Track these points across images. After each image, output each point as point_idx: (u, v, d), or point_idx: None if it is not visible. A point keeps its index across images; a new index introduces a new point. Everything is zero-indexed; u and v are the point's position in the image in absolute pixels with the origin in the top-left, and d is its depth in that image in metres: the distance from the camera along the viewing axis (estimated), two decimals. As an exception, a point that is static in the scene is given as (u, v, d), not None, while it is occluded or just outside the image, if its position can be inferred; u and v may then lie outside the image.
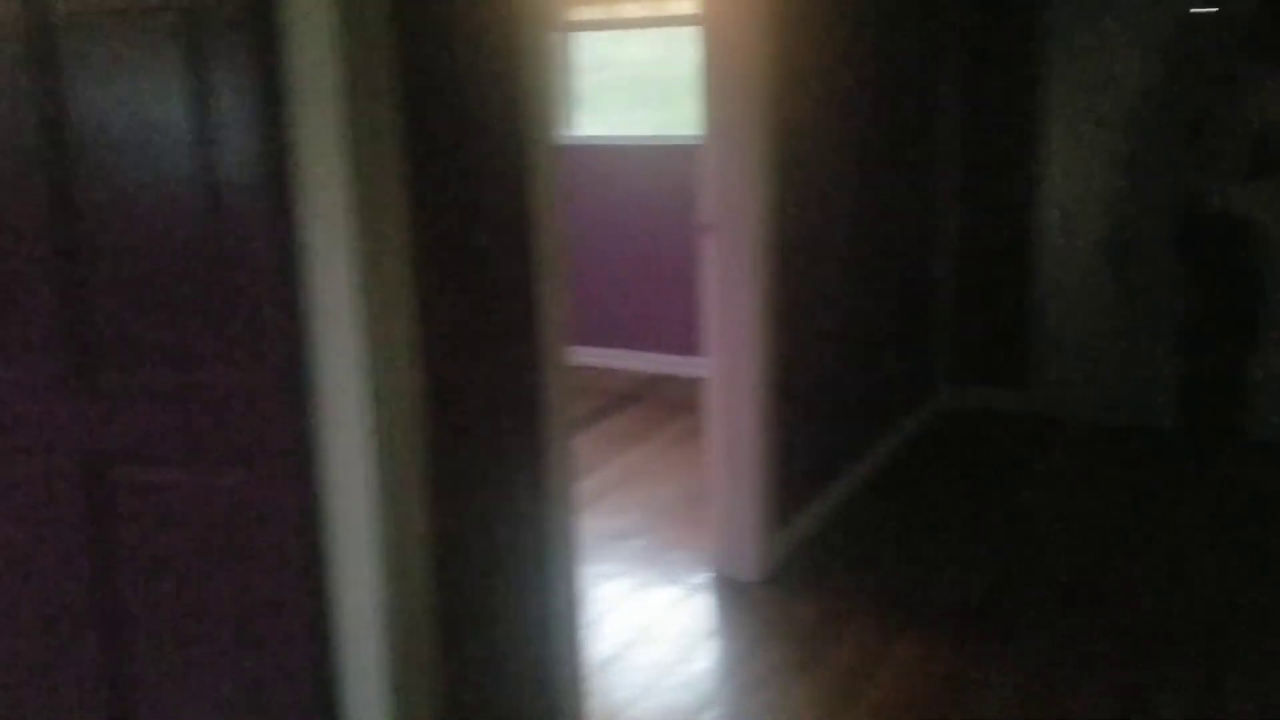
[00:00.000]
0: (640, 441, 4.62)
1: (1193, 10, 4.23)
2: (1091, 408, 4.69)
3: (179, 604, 1.95)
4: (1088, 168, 4.54)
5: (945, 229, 4.82)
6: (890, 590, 3.28)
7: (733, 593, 3.30)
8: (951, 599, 3.22)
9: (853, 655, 2.93)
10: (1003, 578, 3.35)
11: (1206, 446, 4.16)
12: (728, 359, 3.33)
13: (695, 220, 3.32)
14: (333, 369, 1.83)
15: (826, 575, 3.39)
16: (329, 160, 1.76)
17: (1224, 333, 4.09)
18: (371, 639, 1.92)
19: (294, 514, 1.89)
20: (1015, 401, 4.83)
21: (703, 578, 3.39)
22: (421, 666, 2.00)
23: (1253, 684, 2.73)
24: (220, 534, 1.91)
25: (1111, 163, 4.50)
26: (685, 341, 5.44)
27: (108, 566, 1.96)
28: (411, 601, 1.96)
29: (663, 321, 5.51)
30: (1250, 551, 3.45)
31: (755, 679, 2.82)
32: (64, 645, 2.01)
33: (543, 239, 2.26)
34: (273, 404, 1.86)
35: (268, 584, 1.91)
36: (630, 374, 5.52)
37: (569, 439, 2.42)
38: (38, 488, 1.95)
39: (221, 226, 1.80)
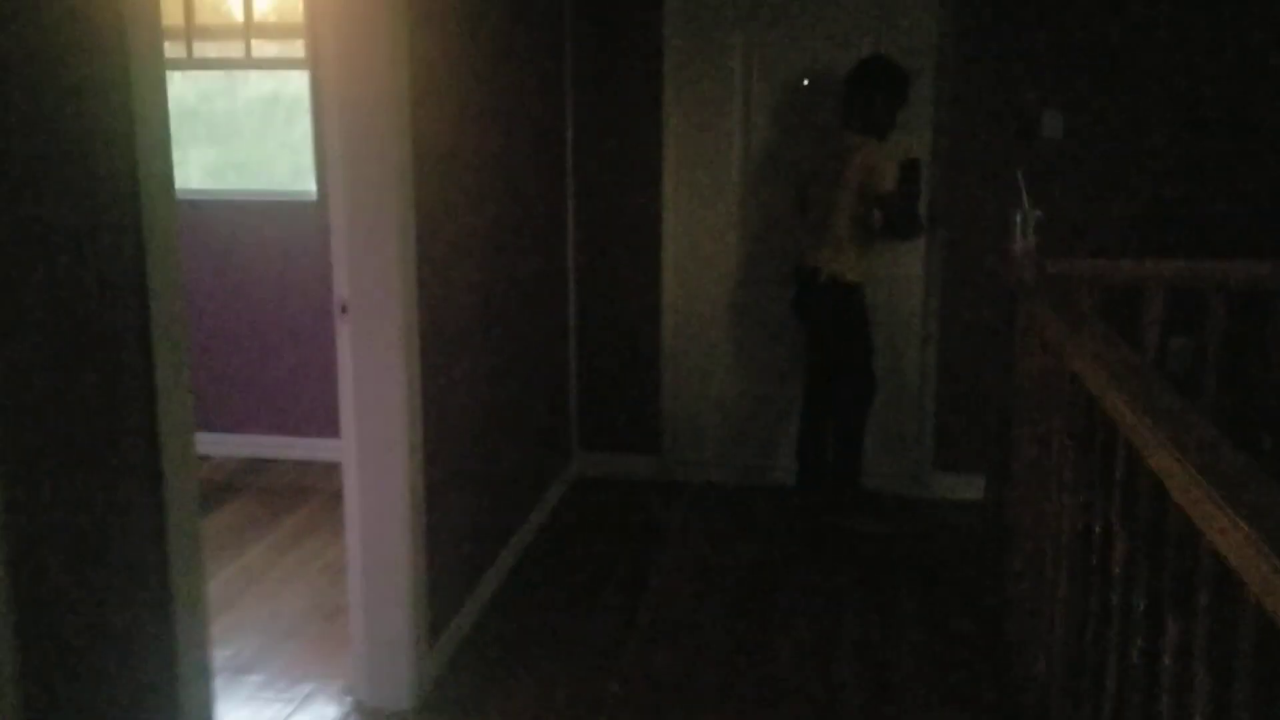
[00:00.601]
0: (251, 542, 4.01)
1: (803, 83, 4.42)
2: (720, 470, 4.73)
3: None
4: (707, 236, 4.60)
5: (574, 295, 4.69)
6: (558, 697, 3.01)
7: (383, 727, 2.86)
8: (622, 696, 3.00)
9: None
10: (666, 664, 3.19)
11: (828, 501, 4.31)
12: (368, 453, 2.91)
13: (334, 298, 2.88)
14: None
15: (488, 689, 3.05)
16: None
17: (839, 391, 4.26)
18: None
19: None
20: (647, 467, 4.77)
21: (343, 713, 2.92)
22: None
23: None
24: None
25: (729, 230, 4.59)
26: (288, 421, 4.88)
27: None
28: None
29: (261, 399, 4.90)
30: (880, 601, 3.57)
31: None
32: None
33: (160, 307, 1.82)
34: None
35: None
36: (223, 459, 4.85)
37: (198, 548, 1.95)
38: None
39: None
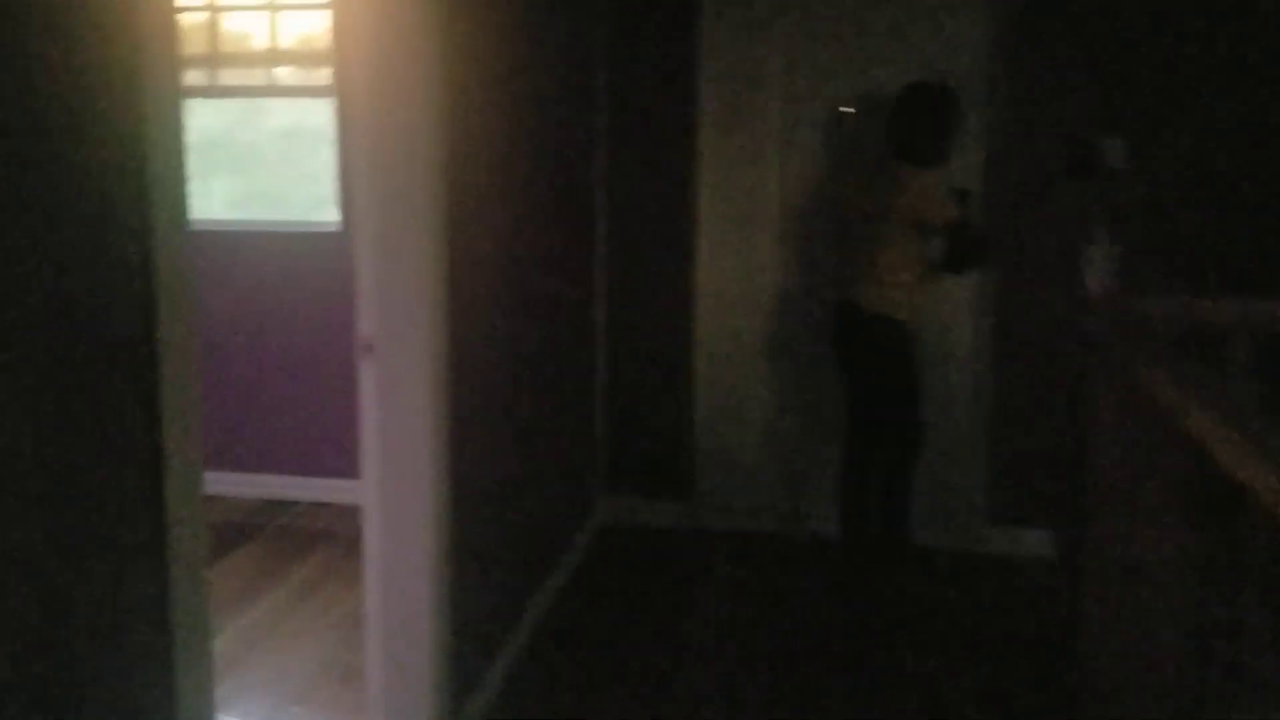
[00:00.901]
0: (262, 592, 3.77)
1: (844, 110, 4.21)
2: (757, 519, 4.48)
3: None
4: (743, 268, 4.38)
5: (604, 332, 4.47)
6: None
7: (404, 805, 2.62)
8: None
9: None
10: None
11: (875, 557, 4.06)
12: (390, 499, 2.69)
13: (357, 334, 2.67)
14: None
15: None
16: None
17: (885, 439, 4.01)
18: None
19: None
20: (676, 515, 4.52)
21: (361, 785, 2.68)
22: None
23: None
24: None
25: (767, 262, 4.37)
26: (305, 460, 4.66)
27: None
28: None
29: (277, 437, 4.69)
30: (935, 676, 3.30)
31: None
32: None
33: (168, 341, 1.65)
34: None
35: None
36: (234, 499, 4.62)
37: (204, 602, 1.75)
38: None
39: None
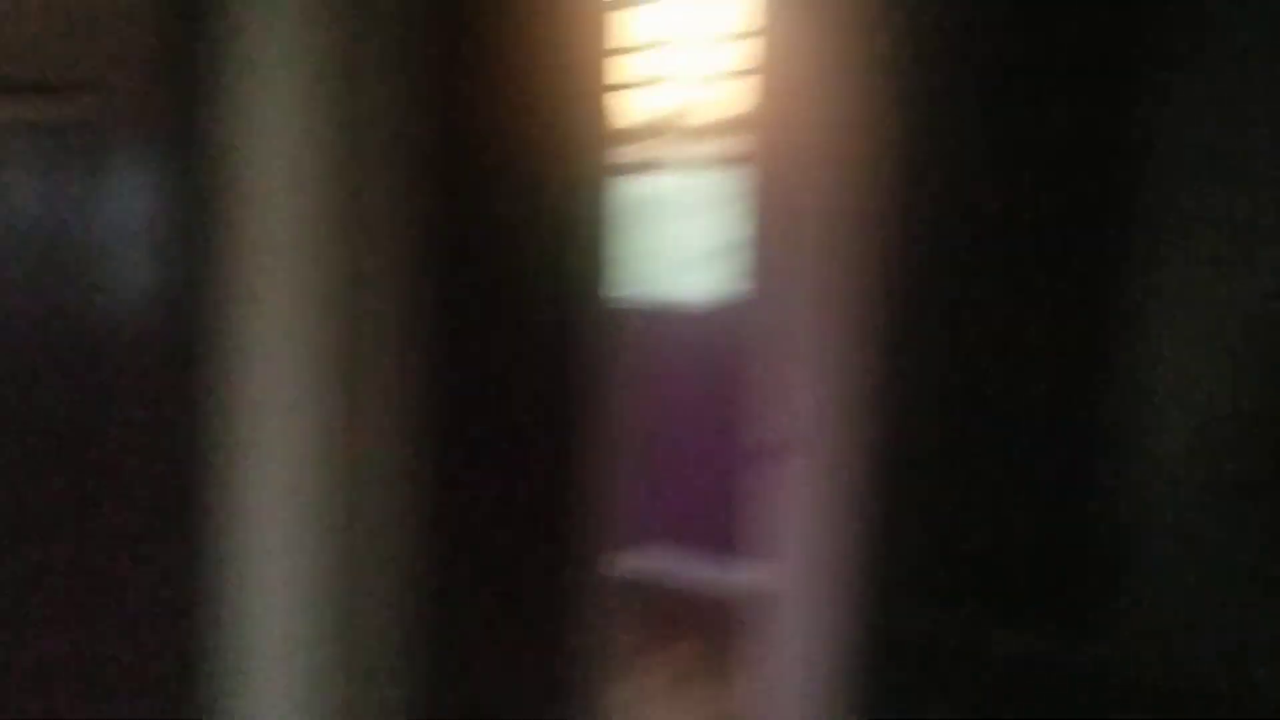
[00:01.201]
0: (626, 678, 3.62)
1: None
2: (1193, 669, 3.76)
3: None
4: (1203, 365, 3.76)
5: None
6: None
7: None
8: None
9: None
10: None
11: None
12: (798, 602, 2.45)
13: (763, 438, 2.47)
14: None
15: None
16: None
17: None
18: None
19: None
20: (1071, 650, 3.91)
21: None
22: None
23: None
24: None
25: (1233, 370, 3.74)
26: (689, 538, 4.52)
27: None
28: None
29: (660, 512, 4.59)
30: None
31: None
32: None
33: (594, 416, 1.65)
34: None
35: None
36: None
37: (610, 679, 1.78)
38: None
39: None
